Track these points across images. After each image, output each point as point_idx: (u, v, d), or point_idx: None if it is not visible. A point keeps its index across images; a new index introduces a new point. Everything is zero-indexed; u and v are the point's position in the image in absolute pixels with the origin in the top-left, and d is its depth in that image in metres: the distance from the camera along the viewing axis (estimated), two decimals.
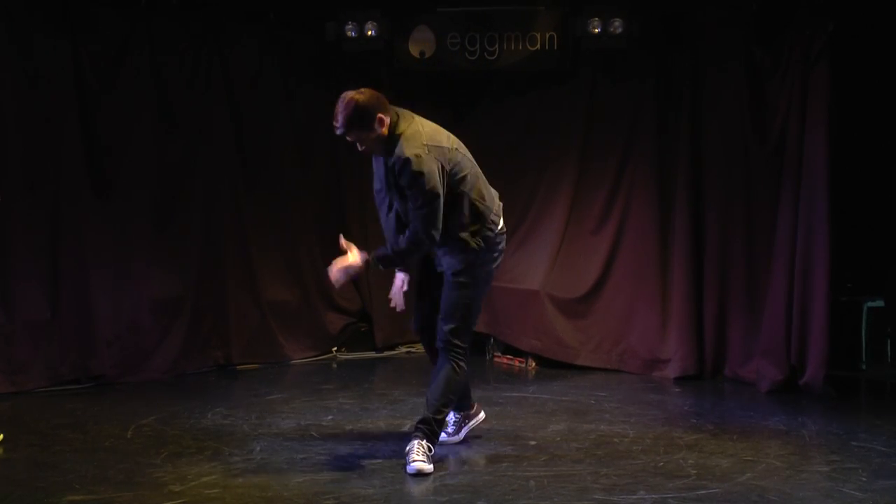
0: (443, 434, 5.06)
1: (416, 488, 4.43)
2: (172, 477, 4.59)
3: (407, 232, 4.68)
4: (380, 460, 4.86)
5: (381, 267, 4.82)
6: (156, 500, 4.28)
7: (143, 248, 6.99)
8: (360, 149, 4.71)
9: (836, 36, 6.34)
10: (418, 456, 4.65)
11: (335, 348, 7.94)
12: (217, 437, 5.33)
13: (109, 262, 6.82)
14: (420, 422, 4.79)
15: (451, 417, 5.20)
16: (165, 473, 4.65)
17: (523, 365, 7.50)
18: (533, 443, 5.22)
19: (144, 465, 4.77)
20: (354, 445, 5.15)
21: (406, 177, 4.55)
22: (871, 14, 6.69)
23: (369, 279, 8.02)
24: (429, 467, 4.64)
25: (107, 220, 6.83)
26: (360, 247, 4.70)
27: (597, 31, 7.20)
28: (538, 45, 7.51)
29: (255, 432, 5.43)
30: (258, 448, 5.10)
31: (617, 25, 7.17)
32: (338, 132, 4.62)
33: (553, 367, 7.36)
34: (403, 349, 8.12)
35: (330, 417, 5.79)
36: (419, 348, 8.10)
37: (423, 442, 4.71)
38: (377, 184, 4.84)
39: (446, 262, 4.83)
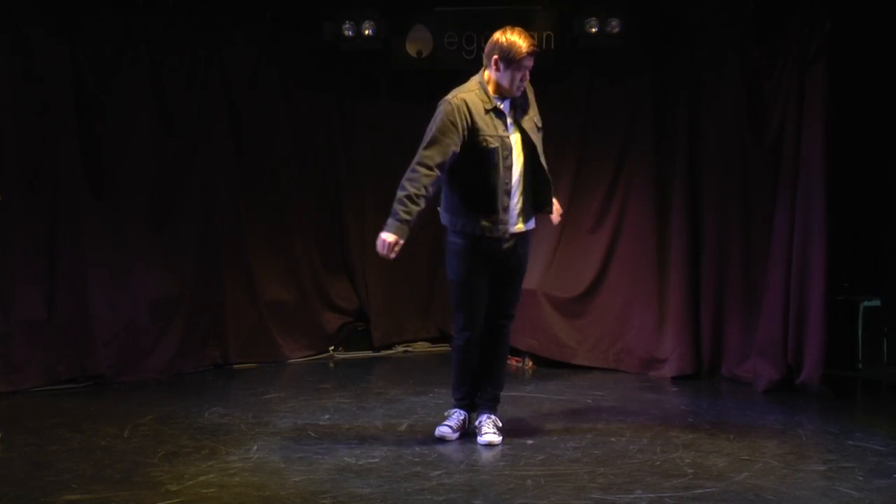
0: (445, 429, 5.23)
1: (414, 487, 4.43)
2: (169, 476, 4.59)
3: None
4: (377, 459, 4.86)
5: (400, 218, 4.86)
6: (153, 499, 4.29)
7: (141, 247, 6.99)
8: (522, 83, 5.08)
9: (834, 35, 6.34)
10: (490, 429, 5.15)
11: (332, 348, 7.93)
12: (214, 436, 5.33)
13: (107, 261, 6.82)
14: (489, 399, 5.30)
15: (458, 416, 5.32)
16: (162, 473, 4.65)
17: (520, 364, 7.50)
18: (530, 442, 5.22)
19: (141, 465, 4.78)
20: (352, 445, 5.15)
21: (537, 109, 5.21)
22: (868, 13, 6.68)
23: (367, 279, 8.01)
24: (498, 439, 5.13)
25: (104, 219, 6.83)
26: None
27: (594, 30, 7.18)
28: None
29: (253, 432, 5.43)
30: (255, 447, 5.10)
31: (614, 25, 7.15)
32: (534, 51, 5.08)
33: (550, 366, 7.35)
34: (401, 348, 8.11)
35: (327, 417, 5.80)
36: (416, 347, 8.11)
37: (493, 416, 5.24)
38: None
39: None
